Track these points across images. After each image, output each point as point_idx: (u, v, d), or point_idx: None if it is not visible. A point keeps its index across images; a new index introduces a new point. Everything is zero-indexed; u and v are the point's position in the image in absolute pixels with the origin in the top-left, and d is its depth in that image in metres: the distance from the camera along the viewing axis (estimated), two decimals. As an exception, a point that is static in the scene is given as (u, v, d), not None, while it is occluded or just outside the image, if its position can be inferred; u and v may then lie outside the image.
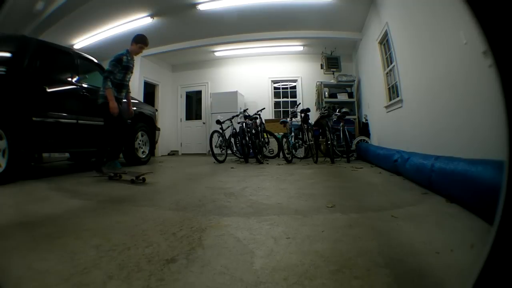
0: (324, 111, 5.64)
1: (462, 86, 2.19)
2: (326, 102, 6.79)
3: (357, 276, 0.82)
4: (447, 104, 2.50)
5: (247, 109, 5.93)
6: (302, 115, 5.20)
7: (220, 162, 5.25)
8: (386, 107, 4.65)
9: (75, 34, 5.91)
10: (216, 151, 5.49)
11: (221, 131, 5.62)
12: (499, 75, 0.45)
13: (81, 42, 6.13)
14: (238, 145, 5.68)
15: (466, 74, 2.09)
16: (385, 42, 4.56)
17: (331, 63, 7.03)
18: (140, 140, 4.73)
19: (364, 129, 6.04)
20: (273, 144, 5.91)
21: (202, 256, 0.98)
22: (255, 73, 8.01)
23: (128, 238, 1.16)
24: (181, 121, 8.57)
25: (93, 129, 3.81)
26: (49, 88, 3.20)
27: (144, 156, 4.80)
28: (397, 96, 4.09)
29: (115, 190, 2.45)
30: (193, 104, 9.08)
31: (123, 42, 6.28)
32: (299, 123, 5.34)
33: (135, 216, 1.54)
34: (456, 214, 1.45)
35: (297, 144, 5.30)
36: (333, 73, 7.05)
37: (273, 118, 7.67)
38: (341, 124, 5.11)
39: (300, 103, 6.43)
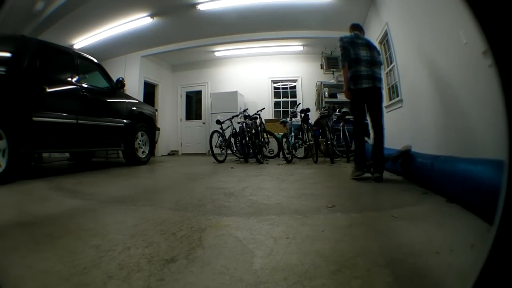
0: (324, 111, 5.64)
1: (462, 86, 2.19)
2: (326, 102, 6.78)
3: (357, 276, 0.82)
4: (447, 104, 2.49)
5: (247, 109, 5.93)
6: (302, 115, 5.20)
7: (220, 162, 5.25)
8: (386, 107, 4.64)
9: (75, 34, 5.91)
10: (216, 151, 5.49)
11: (221, 131, 5.62)
12: (499, 75, 0.45)
13: (81, 42, 6.13)
14: (238, 145, 5.68)
15: (466, 74, 2.09)
16: (385, 42, 4.56)
17: (331, 63, 7.02)
18: (140, 140, 4.72)
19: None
20: (273, 144, 5.91)
21: (202, 256, 0.98)
22: (255, 73, 8.01)
23: (128, 238, 1.16)
24: (181, 121, 8.57)
25: (93, 129, 3.81)
26: (49, 88, 3.20)
27: (144, 156, 4.80)
28: (397, 96, 4.09)
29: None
30: (193, 104, 9.08)
31: (123, 42, 6.35)
32: (299, 123, 5.34)
33: (134, 216, 1.54)
34: (456, 214, 1.45)
35: (297, 144, 5.30)
36: (333, 73, 7.04)
37: (273, 118, 7.67)
38: (341, 124, 5.10)
39: (300, 103, 6.42)
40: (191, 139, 8.40)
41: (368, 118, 3.00)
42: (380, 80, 2.81)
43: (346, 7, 5.10)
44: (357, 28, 3.08)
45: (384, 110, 3.46)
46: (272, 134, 5.80)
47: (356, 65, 2.79)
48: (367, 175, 2.71)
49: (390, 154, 2.82)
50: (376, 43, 4.84)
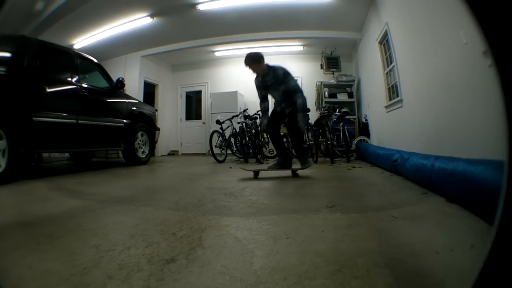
0: (324, 111, 5.64)
1: (462, 86, 2.19)
2: (326, 102, 6.79)
3: (357, 276, 0.82)
4: (447, 104, 2.49)
5: (247, 109, 5.94)
6: (302, 115, 5.19)
7: (220, 162, 5.25)
8: (386, 107, 4.65)
9: (75, 34, 5.91)
10: (216, 151, 5.49)
11: (221, 131, 5.63)
12: (499, 75, 0.45)
13: (81, 42, 6.13)
14: (238, 145, 5.68)
15: (466, 74, 2.09)
16: (385, 42, 4.56)
17: (331, 63, 7.03)
18: (140, 140, 4.72)
19: (364, 129, 6.04)
20: (273, 144, 5.90)
21: (202, 256, 0.98)
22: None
23: (128, 238, 1.16)
24: (181, 121, 8.57)
25: (93, 129, 3.81)
26: (49, 88, 3.20)
27: (144, 156, 4.80)
28: (397, 96, 4.09)
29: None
30: (193, 104, 9.08)
31: (123, 42, 6.36)
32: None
33: (134, 216, 1.54)
34: (456, 214, 1.45)
35: (297, 144, 5.29)
36: (333, 73, 7.04)
37: (273, 118, 7.66)
38: (341, 124, 5.11)
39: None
40: (191, 139, 8.40)
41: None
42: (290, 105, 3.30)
43: (346, 7, 5.11)
44: (251, 62, 3.55)
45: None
46: (272, 134, 5.79)
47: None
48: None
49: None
50: (376, 43, 4.85)
